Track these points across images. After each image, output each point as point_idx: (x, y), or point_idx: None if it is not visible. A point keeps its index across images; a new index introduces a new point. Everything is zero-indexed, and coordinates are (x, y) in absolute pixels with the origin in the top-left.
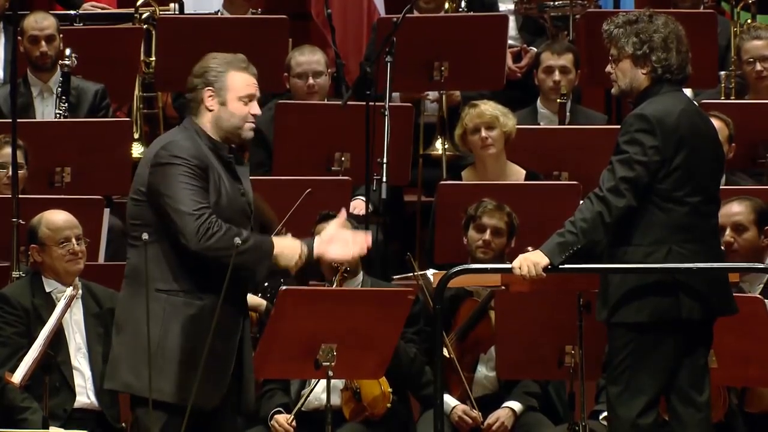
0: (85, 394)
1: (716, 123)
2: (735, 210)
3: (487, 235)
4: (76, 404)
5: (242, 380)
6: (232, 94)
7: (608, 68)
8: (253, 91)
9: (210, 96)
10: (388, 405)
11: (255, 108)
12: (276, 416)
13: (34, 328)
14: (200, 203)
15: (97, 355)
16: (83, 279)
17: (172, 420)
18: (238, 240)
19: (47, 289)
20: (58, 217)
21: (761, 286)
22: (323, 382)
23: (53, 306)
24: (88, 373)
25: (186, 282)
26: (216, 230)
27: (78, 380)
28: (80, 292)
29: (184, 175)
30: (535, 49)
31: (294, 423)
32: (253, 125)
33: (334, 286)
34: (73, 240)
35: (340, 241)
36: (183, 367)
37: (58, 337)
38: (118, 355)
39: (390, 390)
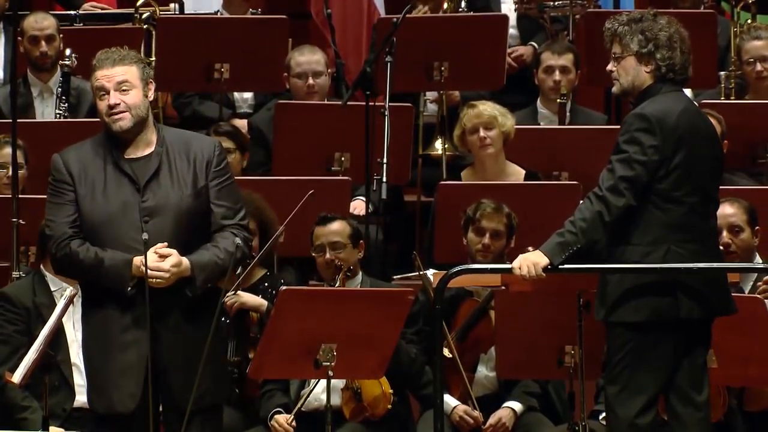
0: (84, 393)
1: None
2: (729, 211)
3: (486, 239)
4: (76, 403)
5: (164, 377)
6: (94, 94)
7: (610, 66)
8: (101, 83)
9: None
10: (389, 406)
11: (111, 98)
12: (276, 416)
13: (35, 327)
14: (53, 222)
15: None
16: None
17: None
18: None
19: (52, 288)
20: None
21: (751, 284)
22: (323, 383)
23: (55, 305)
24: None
25: (88, 291)
26: (60, 255)
27: (77, 379)
28: (80, 291)
29: (48, 193)
30: (536, 45)
31: (294, 423)
32: (117, 115)
33: (337, 285)
34: None
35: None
36: (95, 377)
37: (58, 335)
38: None
39: (391, 391)
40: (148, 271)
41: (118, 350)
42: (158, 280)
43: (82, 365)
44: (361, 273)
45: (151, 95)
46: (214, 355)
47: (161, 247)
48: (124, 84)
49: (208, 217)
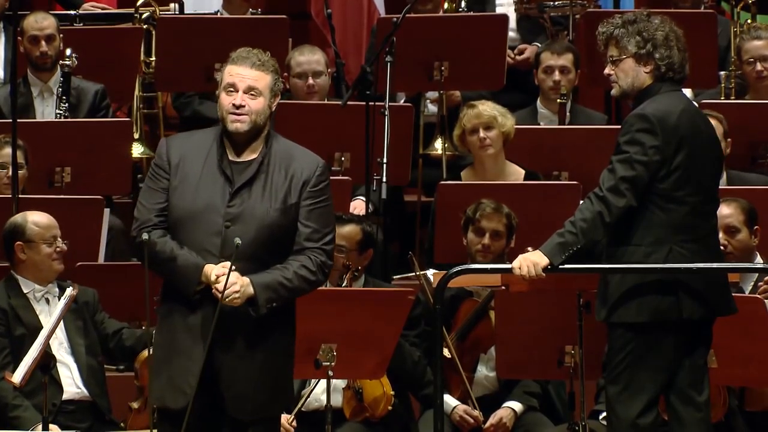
0: (73, 385)
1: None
2: (725, 212)
3: (486, 239)
4: (66, 395)
5: (221, 385)
6: (222, 86)
7: (607, 70)
8: (233, 80)
9: (218, 92)
10: (390, 408)
11: (239, 99)
12: None
13: (14, 328)
14: (143, 206)
15: (80, 347)
16: (58, 279)
17: (159, 423)
18: (162, 254)
19: (25, 290)
20: (43, 216)
21: (752, 284)
22: (323, 383)
23: (31, 306)
24: (73, 365)
25: (164, 287)
26: (140, 240)
27: (64, 372)
28: (64, 291)
29: (147, 176)
30: (539, 45)
31: (294, 423)
32: (235, 116)
33: (344, 284)
34: (59, 239)
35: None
36: (155, 369)
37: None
38: None
39: (392, 392)
40: (223, 288)
41: (180, 347)
42: (233, 297)
43: (66, 359)
44: (364, 275)
45: (274, 107)
46: (274, 368)
47: (222, 267)
48: (254, 90)
49: (292, 235)
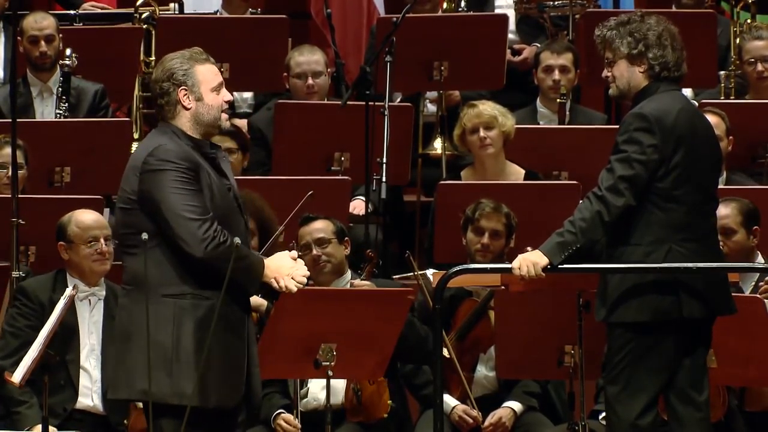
0: (89, 396)
1: (712, 118)
2: (722, 213)
3: (485, 239)
4: (78, 405)
5: (250, 376)
6: (205, 86)
7: (605, 72)
8: (221, 79)
9: (185, 95)
10: (385, 415)
11: (227, 95)
12: (282, 415)
13: None
14: (199, 207)
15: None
16: (108, 281)
17: (191, 424)
18: (238, 252)
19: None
20: (87, 216)
21: (753, 284)
22: (320, 381)
23: (72, 305)
24: (96, 375)
25: (191, 284)
26: (221, 240)
27: (84, 381)
28: (114, 293)
29: (176, 180)
30: (538, 45)
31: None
32: (227, 114)
33: (362, 278)
34: (102, 240)
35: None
36: (200, 368)
37: (71, 337)
38: (132, 364)
39: (390, 401)
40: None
41: (226, 345)
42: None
43: (91, 369)
44: (349, 271)
45: None
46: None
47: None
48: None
49: None
